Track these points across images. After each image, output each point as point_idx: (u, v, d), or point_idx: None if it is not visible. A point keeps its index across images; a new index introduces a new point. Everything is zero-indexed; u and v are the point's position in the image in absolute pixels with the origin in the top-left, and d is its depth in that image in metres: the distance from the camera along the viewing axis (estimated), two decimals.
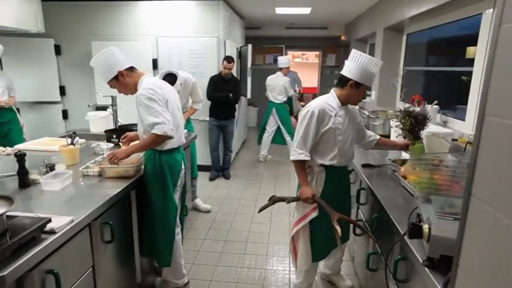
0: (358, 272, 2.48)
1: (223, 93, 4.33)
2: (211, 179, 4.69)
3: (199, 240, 3.13)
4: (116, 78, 2.03)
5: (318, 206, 2.03)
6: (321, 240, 2.10)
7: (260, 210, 2.18)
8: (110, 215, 1.78)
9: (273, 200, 2.11)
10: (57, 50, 4.75)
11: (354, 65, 1.92)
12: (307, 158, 1.98)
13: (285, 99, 5.48)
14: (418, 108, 2.18)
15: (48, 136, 3.09)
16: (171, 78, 3.35)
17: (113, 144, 2.76)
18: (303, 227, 2.10)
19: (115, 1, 4.61)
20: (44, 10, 3.47)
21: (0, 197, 1.28)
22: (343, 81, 1.97)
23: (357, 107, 2.30)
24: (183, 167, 2.25)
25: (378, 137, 2.28)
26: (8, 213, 1.26)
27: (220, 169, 4.84)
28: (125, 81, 2.04)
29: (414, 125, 2.14)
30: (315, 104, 1.98)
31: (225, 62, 4.26)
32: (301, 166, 2.04)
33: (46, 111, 4.93)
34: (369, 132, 2.29)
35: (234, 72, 4.72)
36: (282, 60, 5.43)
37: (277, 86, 5.38)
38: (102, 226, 1.73)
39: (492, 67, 0.74)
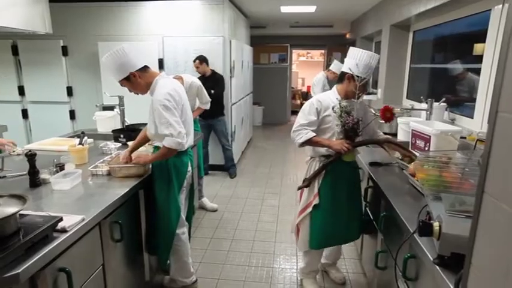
0: (366, 270, 2.48)
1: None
2: None
3: (206, 239, 3.15)
4: (127, 78, 2.00)
5: (319, 194, 2.14)
6: (316, 228, 2.20)
7: (299, 188, 2.28)
8: (119, 213, 1.80)
9: (309, 180, 2.18)
10: (65, 51, 4.79)
11: (350, 60, 2.09)
12: (313, 134, 2.08)
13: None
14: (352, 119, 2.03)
15: (56, 136, 3.12)
16: None
17: (120, 144, 2.78)
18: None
19: (121, 1, 4.63)
20: (51, 11, 3.50)
21: (14, 196, 1.30)
22: (341, 77, 2.16)
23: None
24: (189, 168, 2.25)
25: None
26: (21, 212, 1.28)
27: (207, 167, 4.88)
28: (136, 81, 2.02)
29: (348, 132, 2.04)
30: (316, 96, 2.19)
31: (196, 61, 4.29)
32: (313, 141, 2.09)
33: (53, 111, 4.98)
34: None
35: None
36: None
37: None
38: (111, 225, 1.75)
39: (505, 63, 0.74)
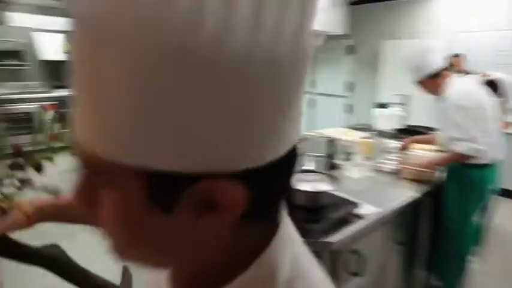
0: None
1: None
2: None
3: None
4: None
5: None
6: None
7: None
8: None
9: None
10: (351, 50, 5.22)
11: None
12: None
13: None
14: None
15: (335, 127, 3.40)
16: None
17: (397, 144, 2.68)
18: None
19: None
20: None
21: (328, 175, 1.49)
22: None
23: None
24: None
25: None
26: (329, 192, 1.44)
27: None
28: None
29: None
30: None
31: None
32: None
33: (333, 104, 5.59)
34: None
35: None
36: None
37: None
38: (395, 225, 1.71)
39: None
